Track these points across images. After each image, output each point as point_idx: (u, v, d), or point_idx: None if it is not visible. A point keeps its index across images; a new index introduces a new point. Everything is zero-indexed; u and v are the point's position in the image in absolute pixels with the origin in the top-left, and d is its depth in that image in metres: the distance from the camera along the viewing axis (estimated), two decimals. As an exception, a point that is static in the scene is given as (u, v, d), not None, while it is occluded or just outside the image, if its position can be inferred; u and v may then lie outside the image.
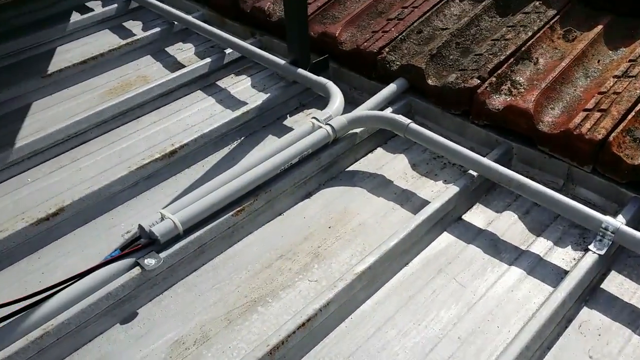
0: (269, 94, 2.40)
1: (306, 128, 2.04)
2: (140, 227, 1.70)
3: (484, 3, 2.37)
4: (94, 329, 1.55)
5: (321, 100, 2.40)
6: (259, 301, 1.62)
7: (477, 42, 2.24)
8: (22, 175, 2.14)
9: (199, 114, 2.43)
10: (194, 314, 1.59)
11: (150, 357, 1.49)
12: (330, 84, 2.25)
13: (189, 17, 2.88)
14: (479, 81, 2.01)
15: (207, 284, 1.68)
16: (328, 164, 2.02)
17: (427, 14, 2.40)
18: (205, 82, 2.61)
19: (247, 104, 2.40)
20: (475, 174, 1.82)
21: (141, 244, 1.68)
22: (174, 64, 2.78)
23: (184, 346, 1.51)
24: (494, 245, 1.69)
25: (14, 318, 1.49)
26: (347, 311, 1.56)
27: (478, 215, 1.80)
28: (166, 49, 2.90)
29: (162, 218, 1.70)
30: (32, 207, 1.98)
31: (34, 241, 1.82)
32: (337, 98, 2.17)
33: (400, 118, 1.98)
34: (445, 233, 1.75)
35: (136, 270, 1.61)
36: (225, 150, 2.22)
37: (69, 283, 1.58)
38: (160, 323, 1.57)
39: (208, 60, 2.63)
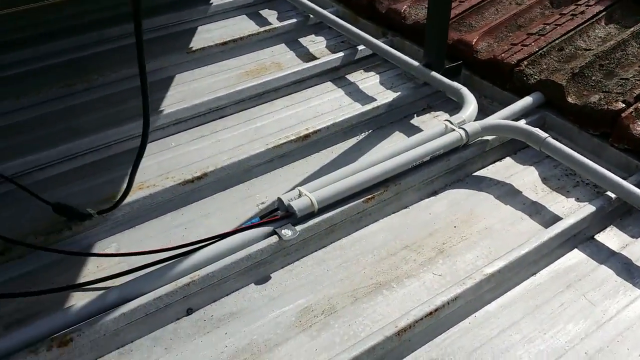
0: (398, 93, 2.46)
1: (439, 129, 2.09)
2: (279, 200, 1.80)
3: (632, 29, 2.32)
4: (232, 285, 1.66)
5: (449, 104, 2.45)
6: (384, 285, 1.68)
7: (622, 66, 2.20)
8: (166, 139, 2.32)
9: (329, 104, 2.53)
10: (322, 286, 1.68)
11: (281, 317, 1.58)
12: (464, 90, 2.29)
13: (325, 12, 3.00)
14: (623, 105, 1.98)
15: (335, 262, 1.76)
16: (456, 167, 2.06)
17: (570, 33, 2.39)
18: (336, 75, 2.71)
19: (375, 99, 2.48)
20: (613, 196, 1.80)
21: (279, 215, 1.79)
22: (305, 55, 2.90)
23: (313, 314, 1.59)
24: (628, 270, 1.67)
25: (166, 264, 1.64)
26: (472, 309, 1.59)
27: (612, 238, 1.78)
28: (299, 39, 3.02)
29: (300, 195, 1.80)
30: (175, 169, 2.14)
31: (179, 199, 1.98)
32: (472, 104, 2.20)
33: (537, 131, 1.98)
34: (576, 250, 1.74)
35: (274, 239, 1.71)
36: (353, 141, 2.31)
37: (214, 240, 1.71)
38: (291, 289, 1.67)
39: (340, 54, 2.73)
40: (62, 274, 1.71)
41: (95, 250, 1.80)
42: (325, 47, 2.97)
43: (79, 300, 1.58)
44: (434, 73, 2.41)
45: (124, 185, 1.88)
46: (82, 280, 1.69)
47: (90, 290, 1.64)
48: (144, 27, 2.98)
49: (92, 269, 1.74)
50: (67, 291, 1.63)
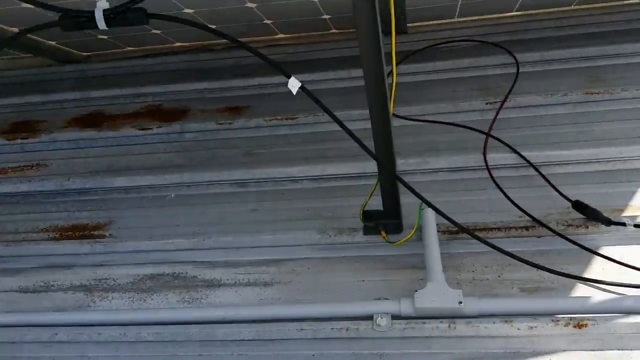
0: None
1: None
2: None
3: None
4: None
5: None
6: None
7: None
8: None
9: None
10: None
11: None
12: None
13: None
14: None
15: None
16: None
17: None
18: None
19: None
20: None
21: None
22: None
23: None
24: None
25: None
26: None
27: None
28: None
29: None
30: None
31: None
32: None
33: None
34: None
35: None
36: None
37: None
38: None
39: None
40: (570, 263, 1.93)
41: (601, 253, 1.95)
42: None
43: (584, 292, 1.79)
44: None
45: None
46: (585, 275, 1.88)
47: (595, 288, 1.82)
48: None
49: (597, 269, 1.90)
50: (577, 280, 1.85)
